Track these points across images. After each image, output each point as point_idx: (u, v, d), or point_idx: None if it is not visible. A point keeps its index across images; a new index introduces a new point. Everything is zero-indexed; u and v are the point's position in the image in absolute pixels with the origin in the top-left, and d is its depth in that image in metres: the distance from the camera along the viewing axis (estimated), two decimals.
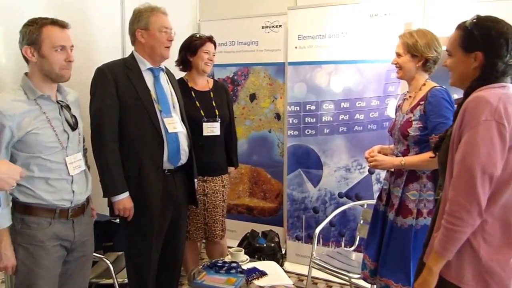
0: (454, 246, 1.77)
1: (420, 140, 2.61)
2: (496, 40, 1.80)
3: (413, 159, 2.63)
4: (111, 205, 2.80)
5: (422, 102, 2.61)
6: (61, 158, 2.25)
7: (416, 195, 2.62)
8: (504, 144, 1.71)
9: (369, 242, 2.90)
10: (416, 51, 2.66)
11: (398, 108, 2.86)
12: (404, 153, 2.69)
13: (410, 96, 2.75)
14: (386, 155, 2.83)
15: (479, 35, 1.83)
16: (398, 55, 2.73)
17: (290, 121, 4.40)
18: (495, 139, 1.70)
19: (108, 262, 2.98)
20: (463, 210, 1.72)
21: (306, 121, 4.32)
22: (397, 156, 2.73)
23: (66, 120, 2.31)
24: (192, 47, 3.42)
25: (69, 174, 2.28)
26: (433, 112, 2.56)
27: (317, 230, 3.66)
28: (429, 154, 2.41)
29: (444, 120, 2.50)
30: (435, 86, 2.64)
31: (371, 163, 2.79)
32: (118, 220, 2.98)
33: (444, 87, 2.59)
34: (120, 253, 3.38)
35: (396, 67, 2.75)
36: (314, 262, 3.51)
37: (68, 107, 2.34)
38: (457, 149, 1.79)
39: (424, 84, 2.69)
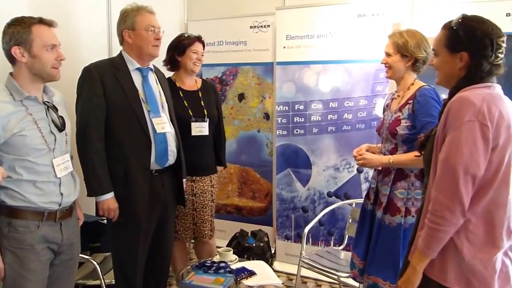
0: (438, 245, 1.78)
1: (408, 139, 2.63)
2: (481, 40, 1.81)
3: (401, 157, 2.64)
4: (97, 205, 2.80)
5: (411, 101, 2.63)
6: (48, 160, 2.22)
7: (404, 193, 2.64)
8: (487, 145, 1.72)
9: (357, 241, 2.91)
10: (406, 51, 2.68)
11: (387, 108, 2.87)
12: (392, 152, 2.70)
13: (398, 96, 2.77)
14: (374, 153, 2.85)
15: (464, 35, 1.84)
16: (388, 54, 2.74)
17: (279, 121, 4.40)
18: (478, 140, 1.71)
19: (95, 263, 2.95)
20: (446, 210, 1.73)
21: (294, 120, 4.33)
22: (384, 154, 2.74)
23: (53, 121, 2.28)
24: (180, 47, 3.41)
25: (56, 176, 2.25)
26: (421, 111, 2.58)
27: (306, 229, 3.67)
28: (417, 152, 2.43)
29: (432, 120, 2.52)
30: (423, 86, 2.66)
31: (359, 161, 2.80)
32: (105, 220, 2.96)
33: (433, 86, 2.61)
34: (107, 254, 3.36)
35: (386, 66, 2.76)
36: (303, 261, 3.52)
37: (55, 108, 2.31)
38: (441, 149, 1.80)
39: (413, 84, 2.71)
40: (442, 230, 1.75)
